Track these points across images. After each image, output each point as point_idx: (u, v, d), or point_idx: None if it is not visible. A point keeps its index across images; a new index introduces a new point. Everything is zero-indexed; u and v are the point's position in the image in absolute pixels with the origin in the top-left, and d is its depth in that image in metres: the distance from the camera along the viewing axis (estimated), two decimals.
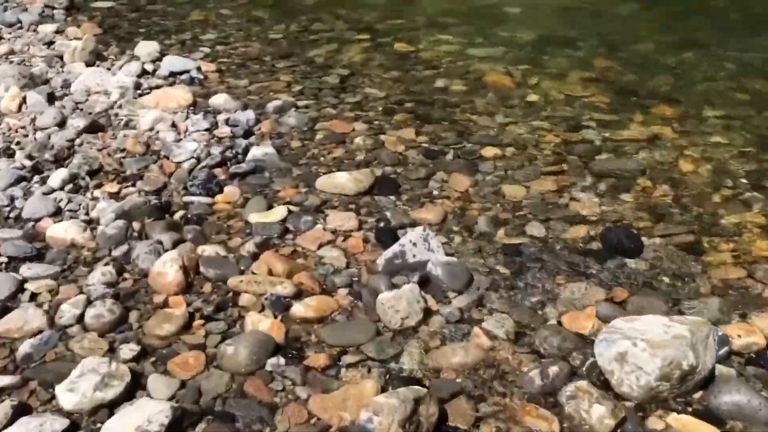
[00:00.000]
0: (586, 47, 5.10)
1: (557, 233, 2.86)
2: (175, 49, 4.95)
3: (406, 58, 4.99)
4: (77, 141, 3.36)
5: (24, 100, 3.69)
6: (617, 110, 4.04)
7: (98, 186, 3.03)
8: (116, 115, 3.74)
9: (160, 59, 4.64)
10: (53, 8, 5.70)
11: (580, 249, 2.76)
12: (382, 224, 2.88)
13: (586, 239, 2.82)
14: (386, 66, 4.79)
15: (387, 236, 2.74)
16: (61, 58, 4.46)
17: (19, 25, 5.13)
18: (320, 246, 2.71)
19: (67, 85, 4.04)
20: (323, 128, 3.78)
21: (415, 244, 2.54)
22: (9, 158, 3.16)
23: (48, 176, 3.02)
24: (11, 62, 4.29)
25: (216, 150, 3.37)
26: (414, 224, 2.84)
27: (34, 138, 3.35)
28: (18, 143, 3.31)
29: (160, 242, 2.60)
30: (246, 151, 3.42)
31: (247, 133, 3.62)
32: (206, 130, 3.61)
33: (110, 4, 6.03)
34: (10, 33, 4.95)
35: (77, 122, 3.47)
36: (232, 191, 3.07)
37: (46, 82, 4.07)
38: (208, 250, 2.61)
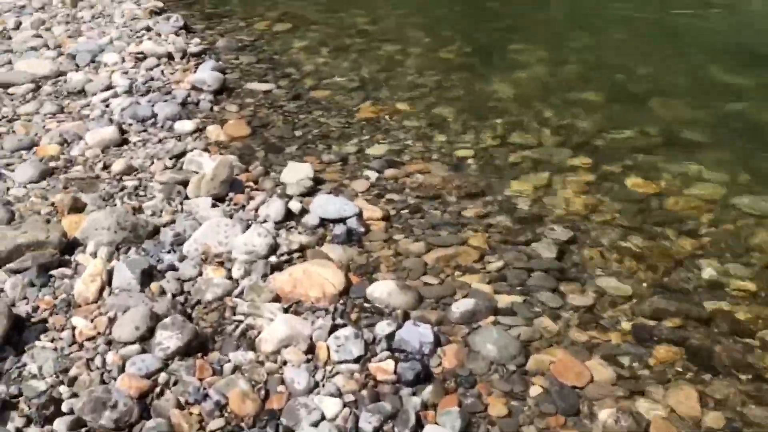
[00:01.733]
0: None
1: None
2: (333, 172, 3.68)
3: (648, 207, 3.43)
4: (160, 378, 2.10)
5: (109, 279, 2.50)
6: None
7: None
8: (232, 311, 2.46)
9: (312, 191, 3.38)
10: (201, 91, 4.63)
11: None
12: None
13: None
14: (622, 225, 3.24)
15: None
16: (185, 185, 3.29)
17: (153, 120, 4.06)
18: None
19: (179, 240, 2.83)
20: (542, 367, 2.30)
21: None
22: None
23: None
24: (114, 200, 3.16)
25: (370, 423, 2.00)
26: None
27: (92, 373, 2.12)
28: (72, 380, 2.09)
29: None
30: (419, 424, 2.03)
31: (421, 375, 2.22)
32: (356, 360, 2.25)
33: (268, 86, 4.88)
34: (138, 135, 3.88)
35: (170, 340, 2.21)
36: None
37: (154, 234, 2.89)
38: None
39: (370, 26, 6.52)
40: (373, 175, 3.64)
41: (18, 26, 5.66)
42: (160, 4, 6.82)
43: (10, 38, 5.45)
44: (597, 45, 6.17)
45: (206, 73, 4.74)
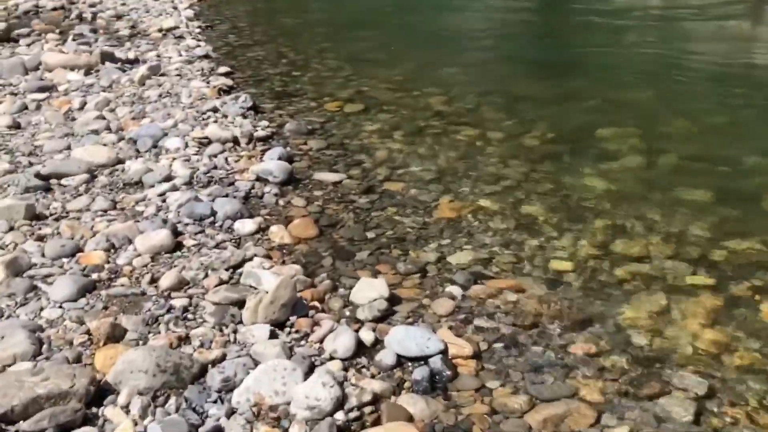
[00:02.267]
0: None
1: None
2: (411, 288, 3.15)
3: None
4: None
5: None
6: None
7: None
8: None
9: (386, 314, 2.86)
10: (266, 182, 4.21)
11: None
12: None
13: None
14: (766, 370, 2.61)
15: None
16: (241, 305, 2.81)
17: (211, 219, 3.63)
18: None
19: (228, 387, 2.33)
20: None
21: None
22: None
23: None
24: (158, 325, 2.69)
25: None
26: None
27: None
28: None
29: None
30: None
31: None
32: None
33: (338, 177, 4.44)
34: (194, 237, 3.45)
35: None
36: None
37: (200, 375, 2.40)
38: None
39: (446, 107, 6.09)
40: (457, 293, 3.10)
41: (82, 107, 5.42)
42: (230, 82, 6.56)
43: (73, 119, 5.20)
44: (695, 130, 5.59)
45: (272, 163, 4.34)
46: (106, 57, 6.61)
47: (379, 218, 3.89)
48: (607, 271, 3.34)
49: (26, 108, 5.41)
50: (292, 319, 2.77)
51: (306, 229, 3.65)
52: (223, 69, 7.12)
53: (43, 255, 3.12)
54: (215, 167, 4.40)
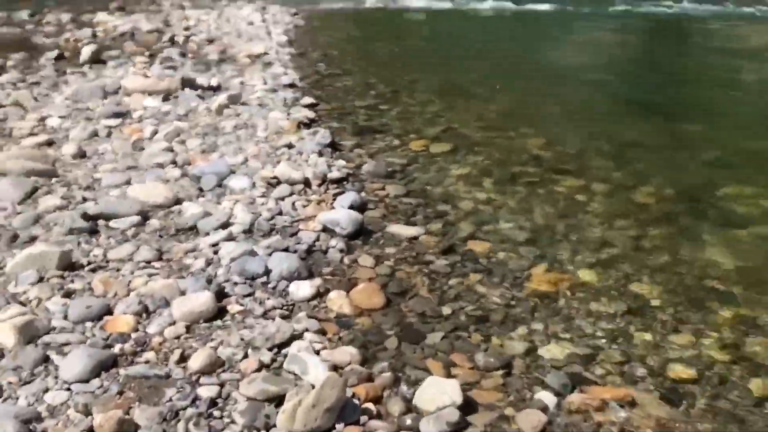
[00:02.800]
0: None
1: None
2: (490, 390, 2.52)
3: None
4: None
5: None
6: None
7: None
8: None
9: (458, 428, 2.25)
10: (333, 234, 3.69)
11: None
12: None
13: None
14: None
15: None
16: (280, 402, 2.26)
17: (264, 278, 3.13)
18: None
19: None
20: None
21: None
22: None
23: None
24: (177, 422, 2.18)
25: None
26: None
27: None
28: None
29: None
30: None
31: None
32: None
33: (415, 231, 3.87)
34: (240, 302, 2.94)
35: None
36: None
37: None
38: None
39: (544, 151, 5.44)
40: (549, 401, 2.45)
41: (153, 136, 5.10)
42: (311, 115, 6.14)
43: (141, 150, 4.87)
44: None
45: (342, 212, 3.82)
46: (187, 83, 6.33)
47: (458, 287, 3.29)
48: (741, 385, 2.62)
49: (96, 135, 5.13)
50: (339, 427, 2.20)
51: (370, 297, 3.10)
52: (306, 100, 6.72)
53: (65, 317, 2.69)
54: (280, 213, 3.92)
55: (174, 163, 4.57)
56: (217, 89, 6.73)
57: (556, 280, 3.38)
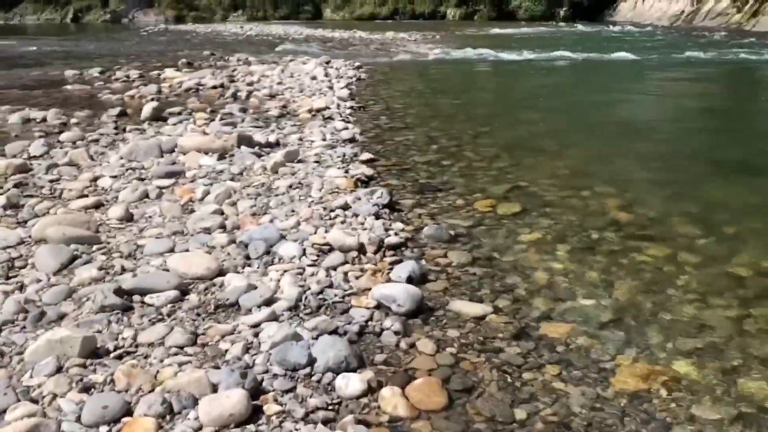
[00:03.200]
0: None
1: None
2: None
3: None
4: None
5: None
6: None
7: None
8: None
9: None
10: (388, 311, 3.27)
11: None
12: None
13: None
14: None
15: None
16: None
17: (308, 369, 2.72)
18: None
19: None
20: None
21: None
22: None
23: None
24: None
25: None
26: None
27: None
28: None
29: None
30: None
31: None
32: None
33: (481, 310, 3.39)
34: (278, 400, 2.53)
35: None
36: None
37: None
38: None
39: (624, 213, 4.92)
40: None
41: (205, 197, 4.82)
42: (369, 172, 5.79)
43: (192, 212, 4.59)
44: None
45: (398, 287, 3.39)
46: (243, 140, 6.09)
47: (533, 384, 2.79)
48: None
49: (147, 196, 4.89)
50: None
51: (430, 395, 2.64)
52: (365, 155, 6.40)
53: (78, 418, 2.33)
54: (330, 285, 3.53)
55: (222, 227, 4.25)
56: (275, 146, 6.49)
57: (648, 373, 2.85)
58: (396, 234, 4.30)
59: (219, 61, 14.26)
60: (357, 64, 14.49)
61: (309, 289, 3.45)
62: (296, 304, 3.28)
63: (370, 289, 3.50)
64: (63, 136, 6.60)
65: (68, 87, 10.25)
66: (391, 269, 3.82)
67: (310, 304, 3.31)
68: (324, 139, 6.87)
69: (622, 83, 12.68)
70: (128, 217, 4.46)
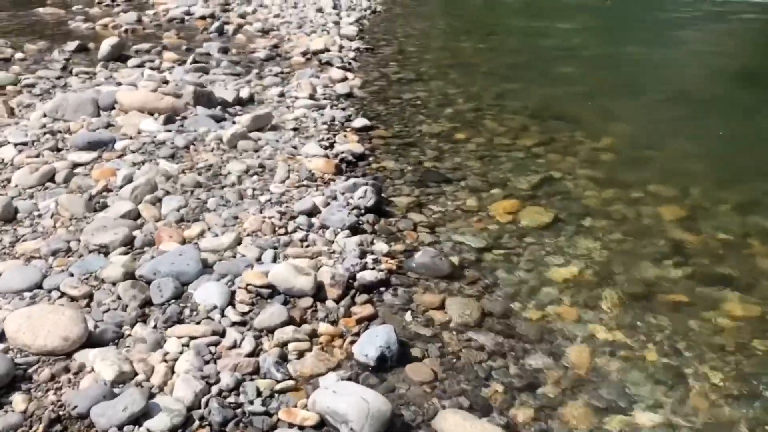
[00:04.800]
0: None
1: None
2: None
3: None
4: None
5: None
6: None
7: None
8: None
9: None
10: None
11: None
12: None
13: None
14: None
15: None
16: None
17: None
18: None
19: None
20: None
21: None
22: None
23: None
24: None
25: None
26: None
27: None
28: None
29: None
30: None
31: None
32: None
33: (492, 430, 2.09)
34: None
35: None
36: None
37: None
38: None
39: (690, 233, 3.64)
40: None
41: (123, 186, 3.47)
42: (359, 149, 4.44)
43: (102, 208, 3.26)
44: None
45: (351, 401, 2.07)
46: (202, 98, 4.67)
47: None
48: None
49: (52, 179, 3.54)
50: None
51: None
52: (359, 122, 4.99)
53: None
54: (256, 371, 2.21)
55: (127, 243, 2.92)
56: (246, 104, 5.07)
57: None
58: (375, 263, 2.96)
59: None
60: None
61: (216, 383, 2.13)
62: (186, 420, 1.97)
63: (314, 379, 2.19)
64: None
65: (40, 9, 8.77)
66: (358, 331, 2.50)
67: (212, 419, 2.00)
68: (312, 95, 5.44)
69: (691, 30, 10.85)
70: (7, 215, 3.14)
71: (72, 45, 6.41)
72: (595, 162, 4.59)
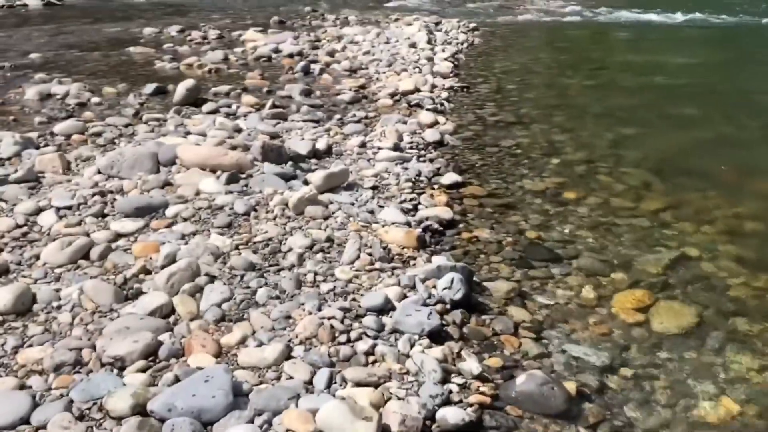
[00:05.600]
0: None
1: None
2: None
3: None
4: None
5: None
6: None
7: None
8: None
9: None
10: None
11: None
12: None
13: None
14: None
15: None
16: None
17: None
18: None
19: None
20: None
21: None
22: None
23: None
24: None
25: None
26: None
27: None
28: None
29: None
30: None
31: None
32: None
33: None
34: None
35: None
36: None
37: None
38: None
39: None
40: None
41: (166, 265, 2.88)
42: (448, 214, 3.72)
43: (136, 296, 2.68)
44: None
45: None
46: (271, 152, 4.09)
47: None
48: None
49: (87, 256, 3.01)
50: None
51: None
52: (449, 177, 4.28)
53: None
54: None
55: (149, 355, 2.30)
56: (323, 156, 4.46)
57: None
58: (462, 392, 2.21)
59: (316, 20, 12.25)
60: (472, 25, 12.07)
61: None
62: None
63: None
64: (57, 127, 4.85)
65: (131, 49, 8.61)
66: None
67: None
68: (397, 145, 4.76)
69: None
70: (21, 307, 2.60)
71: (150, 87, 6.05)
72: (738, 234, 3.67)
